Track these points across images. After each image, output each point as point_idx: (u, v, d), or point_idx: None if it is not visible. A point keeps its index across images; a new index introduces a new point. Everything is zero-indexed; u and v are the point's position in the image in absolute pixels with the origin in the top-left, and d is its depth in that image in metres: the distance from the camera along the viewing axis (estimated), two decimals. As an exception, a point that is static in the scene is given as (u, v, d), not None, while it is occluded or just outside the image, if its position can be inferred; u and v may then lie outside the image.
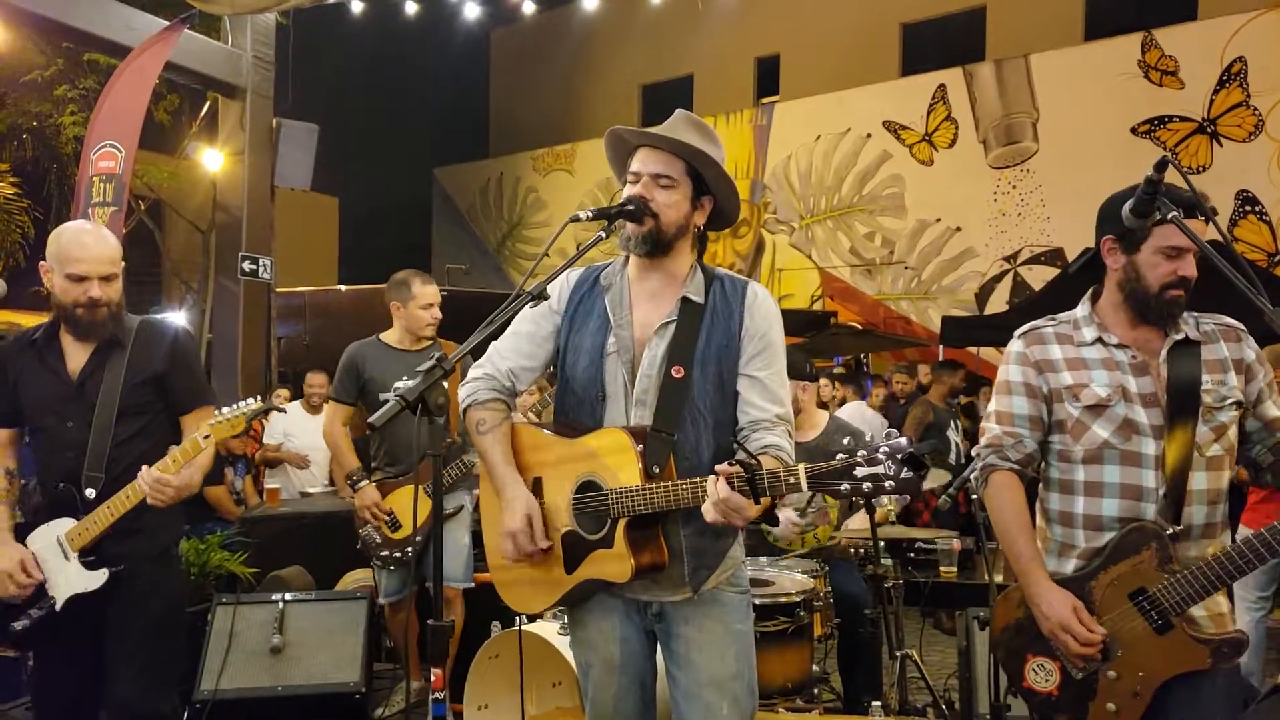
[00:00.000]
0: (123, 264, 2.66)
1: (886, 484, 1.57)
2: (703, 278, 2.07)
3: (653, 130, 2.02)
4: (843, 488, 1.60)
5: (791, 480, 1.65)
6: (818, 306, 14.18)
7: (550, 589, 2.06)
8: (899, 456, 1.58)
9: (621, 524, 1.91)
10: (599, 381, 2.02)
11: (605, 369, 2.02)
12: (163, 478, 2.44)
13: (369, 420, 1.77)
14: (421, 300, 3.96)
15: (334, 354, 4.33)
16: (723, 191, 2.08)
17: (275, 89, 7.57)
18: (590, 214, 1.99)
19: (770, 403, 1.99)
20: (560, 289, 2.13)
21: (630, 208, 2.00)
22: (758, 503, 1.71)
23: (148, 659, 2.59)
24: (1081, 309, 2.17)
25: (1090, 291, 2.18)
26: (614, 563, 1.93)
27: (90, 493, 2.55)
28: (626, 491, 1.89)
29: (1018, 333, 2.22)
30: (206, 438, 2.47)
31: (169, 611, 2.69)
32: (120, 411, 2.57)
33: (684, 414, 1.97)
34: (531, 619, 3.56)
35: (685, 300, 2.03)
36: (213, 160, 8.00)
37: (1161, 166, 1.81)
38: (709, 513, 1.75)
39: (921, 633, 4.72)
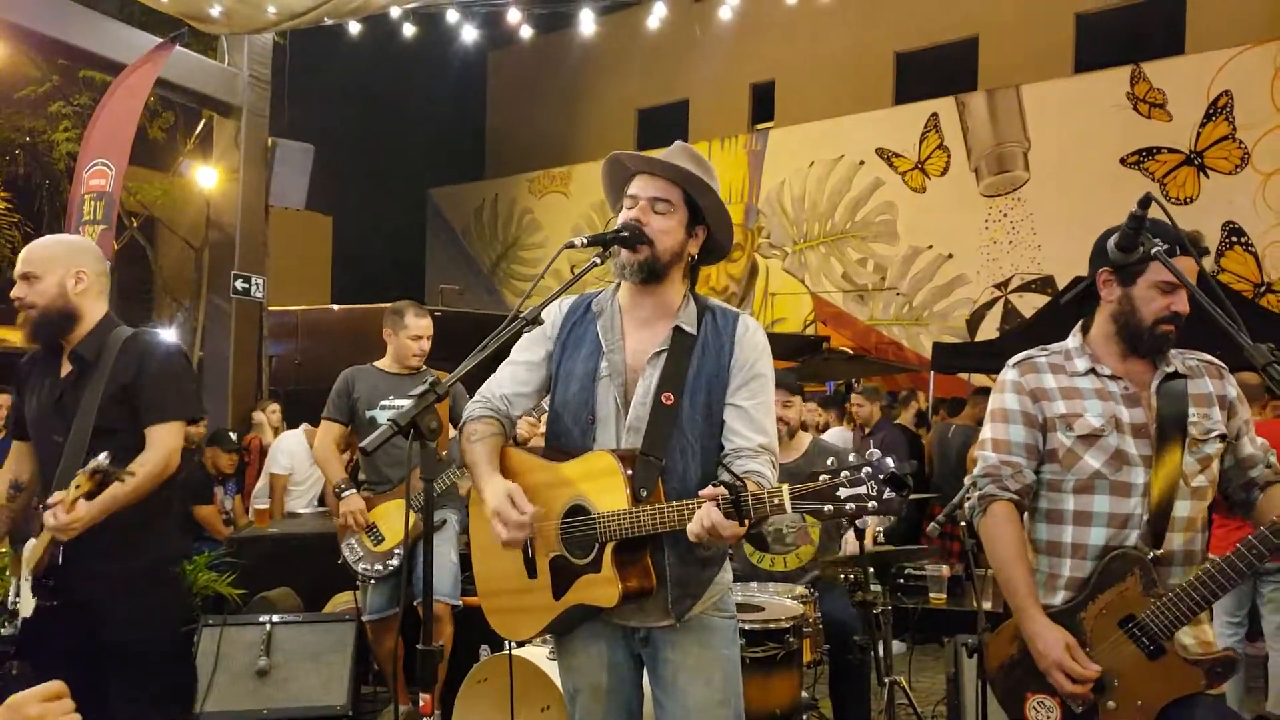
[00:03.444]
0: (65, 268, 2.54)
1: (869, 504, 1.57)
2: (695, 308, 2.08)
3: (652, 155, 2.05)
4: (825, 509, 1.59)
5: (776, 501, 1.65)
6: (810, 331, 14.23)
7: (539, 615, 2.05)
8: (881, 477, 1.58)
9: (609, 548, 1.91)
10: (590, 405, 2.03)
11: (597, 393, 2.03)
12: (64, 520, 2.27)
13: (362, 445, 1.77)
14: (412, 331, 4.05)
15: (326, 373, 4.35)
16: (717, 222, 2.10)
17: (271, 108, 7.62)
18: (585, 240, 2.00)
19: (754, 432, 1.99)
20: (553, 316, 2.14)
21: (625, 234, 2.01)
22: (742, 524, 1.71)
23: (135, 682, 2.52)
24: (1072, 340, 2.19)
25: (1080, 323, 2.21)
26: (601, 588, 1.93)
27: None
28: (614, 515, 1.89)
29: (1011, 362, 2.23)
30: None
31: (154, 634, 2.58)
32: (96, 428, 2.48)
33: (673, 441, 1.98)
34: (520, 644, 3.54)
35: (678, 330, 2.04)
36: (206, 178, 8.02)
37: (1145, 203, 1.84)
38: (692, 530, 1.75)
39: (910, 659, 4.71)
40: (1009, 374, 2.20)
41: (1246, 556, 1.90)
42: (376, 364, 4.16)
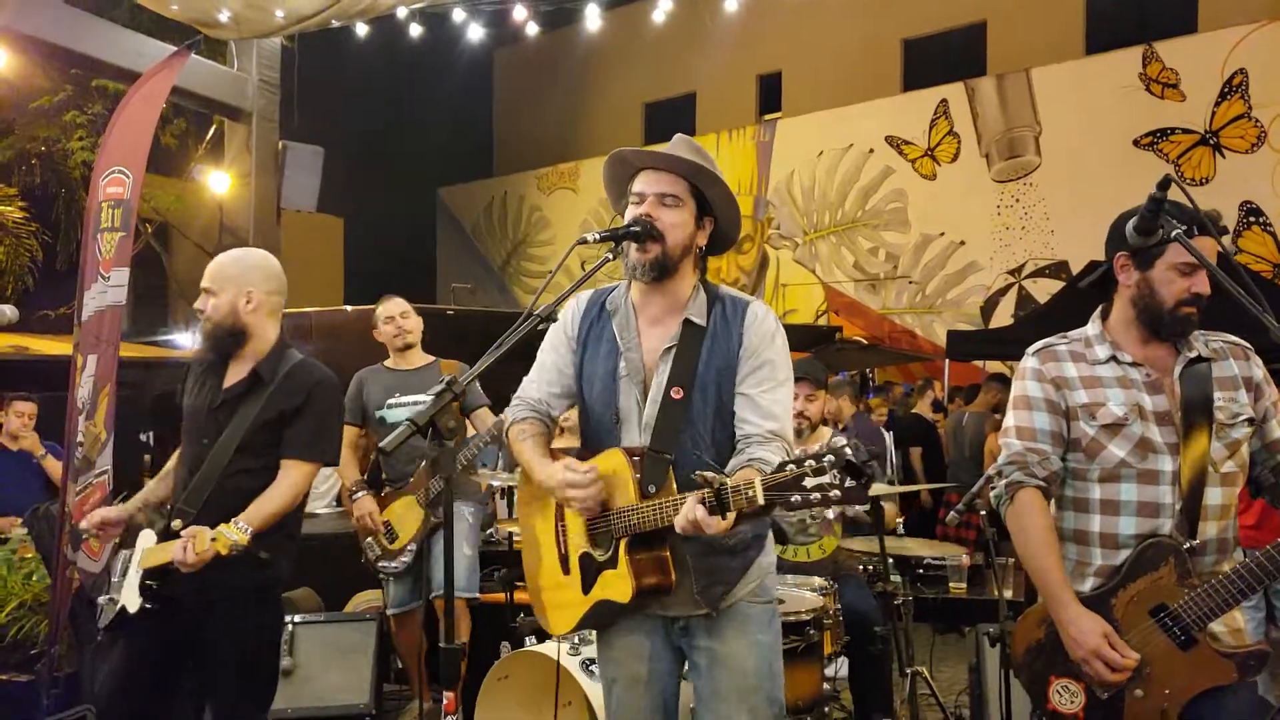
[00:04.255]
0: (238, 288, 2.63)
1: (832, 494, 1.55)
2: (705, 298, 2.08)
3: (656, 150, 2.04)
4: (794, 498, 1.58)
5: (750, 494, 1.64)
6: (822, 322, 14.18)
7: (572, 610, 2.09)
8: (842, 464, 1.56)
9: (623, 544, 1.93)
10: (613, 405, 2.05)
11: (619, 393, 2.05)
12: (190, 560, 2.34)
13: (381, 445, 1.78)
14: (382, 316, 4.08)
15: (341, 374, 4.36)
16: (724, 211, 2.10)
17: (280, 112, 7.64)
18: (597, 236, 2.00)
19: (763, 418, 1.98)
20: (570, 316, 2.16)
21: (636, 228, 2.01)
22: (724, 518, 1.71)
23: (220, 690, 2.55)
24: (1092, 327, 2.16)
25: (1099, 309, 2.17)
26: (618, 583, 1.95)
27: (176, 524, 2.50)
28: (622, 511, 1.92)
29: (1031, 350, 2.20)
30: (214, 540, 2.35)
31: (249, 652, 2.58)
32: (242, 444, 2.54)
33: (683, 435, 1.98)
34: (541, 639, 3.56)
35: (687, 322, 2.05)
36: (219, 183, 8.06)
37: (1165, 185, 1.82)
38: (677, 524, 1.77)
39: (932, 648, 4.69)
40: (1029, 362, 2.18)
41: None
42: (385, 363, 4.20)
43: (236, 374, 2.65)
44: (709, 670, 2.03)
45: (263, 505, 2.49)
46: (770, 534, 2.17)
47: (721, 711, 2.01)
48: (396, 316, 4.07)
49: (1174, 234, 1.82)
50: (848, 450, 1.55)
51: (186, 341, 12.58)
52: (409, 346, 4.11)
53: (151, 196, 10.36)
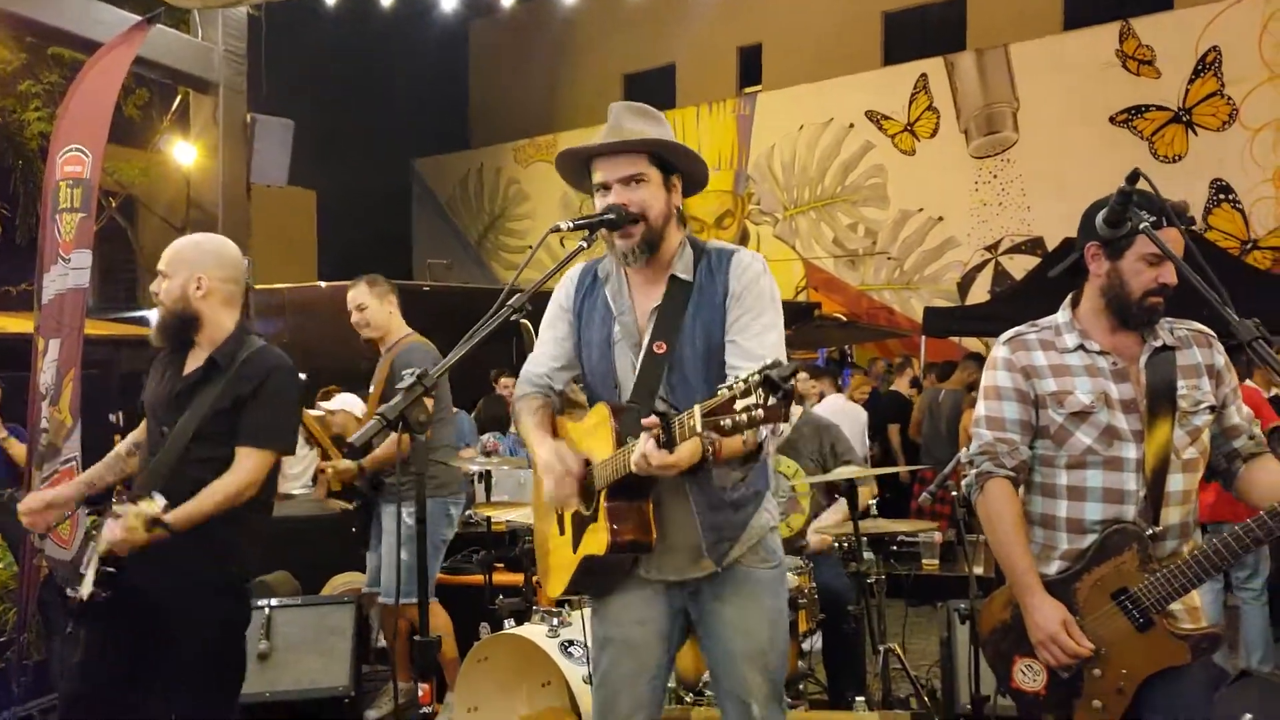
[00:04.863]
0: (190, 273, 2.57)
1: (756, 413, 1.53)
2: (691, 254, 2.09)
3: (602, 139, 2.03)
4: (724, 422, 1.56)
5: (690, 423, 1.64)
6: (802, 298, 14.21)
7: (565, 570, 2.10)
8: (760, 380, 1.53)
9: (601, 496, 1.94)
10: (612, 372, 2.08)
11: (615, 358, 2.08)
12: (117, 538, 2.32)
13: (349, 440, 1.76)
14: (349, 304, 3.97)
15: (315, 351, 4.31)
16: (685, 164, 2.09)
17: (249, 83, 7.47)
18: (571, 224, 1.99)
19: (750, 361, 1.93)
20: (565, 290, 2.19)
21: (612, 215, 2.00)
22: (671, 451, 1.70)
23: (195, 684, 2.52)
24: (1062, 315, 2.19)
25: (1070, 297, 2.21)
26: (596, 536, 1.97)
27: None
28: (599, 463, 1.95)
29: (1002, 339, 2.23)
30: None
31: (211, 642, 2.54)
32: (198, 432, 2.50)
33: (669, 386, 2.01)
34: (520, 621, 3.58)
35: (674, 279, 2.06)
36: (184, 154, 7.88)
37: (1133, 178, 1.84)
38: (632, 462, 1.78)
39: (905, 622, 4.77)
40: (1000, 351, 2.21)
41: (1244, 540, 1.93)
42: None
43: (194, 362, 2.61)
44: (722, 634, 2.08)
45: (211, 493, 2.44)
46: (770, 495, 2.18)
47: (738, 672, 2.07)
48: (355, 308, 3.96)
49: (1142, 226, 1.84)
50: (770, 372, 1.53)
51: (154, 318, 12.40)
52: (369, 340, 4.01)
53: (115, 170, 10.14)
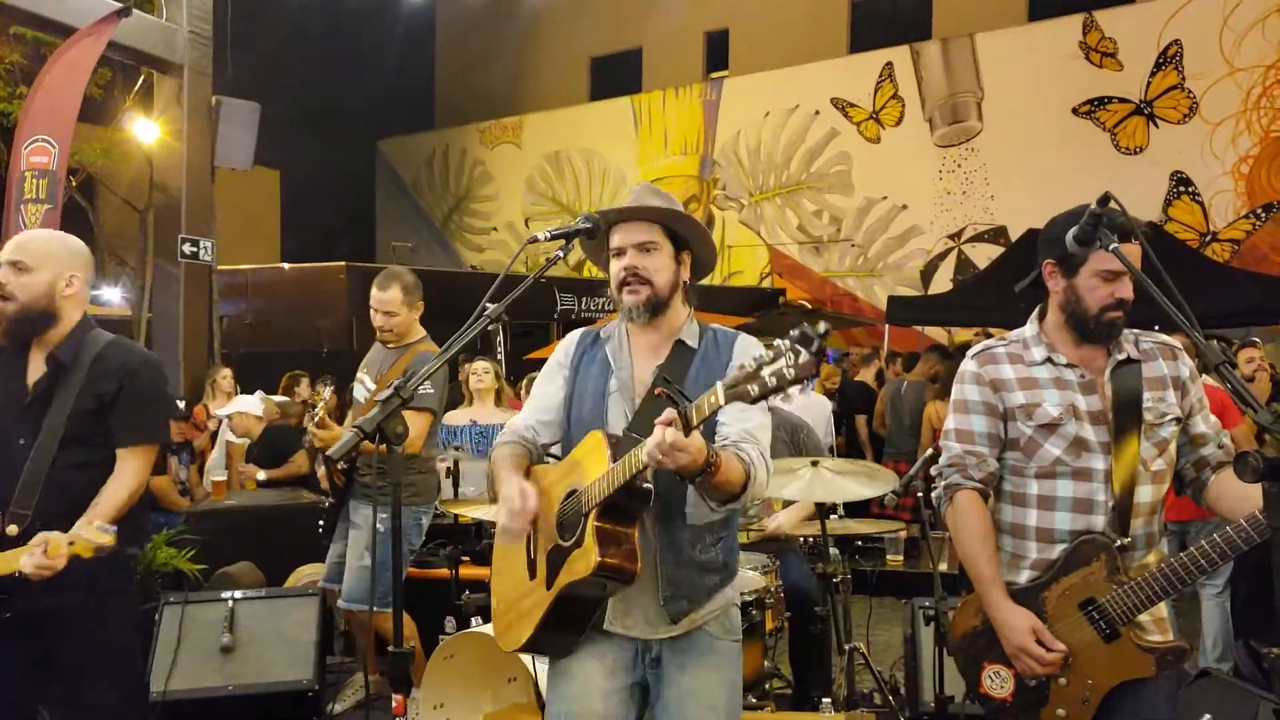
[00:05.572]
0: (60, 269, 2.47)
1: (789, 373, 1.58)
2: (698, 328, 2.18)
3: (624, 205, 2.14)
4: (751, 389, 1.61)
5: (713, 400, 1.68)
6: (766, 284, 14.29)
7: (534, 613, 2.07)
8: (790, 343, 1.59)
9: (590, 518, 1.94)
10: (603, 420, 2.11)
11: (608, 408, 2.12)
12: (45, 563, 2.20)
13: (328, 454, 1.76)
14: (371, 304, 3.90)
15: (278, 334, 4.22)
16: (698, 242, 2.20)
17: (214, 64, 7.33)
18: (549, 234, 2.03)
19: (738, 424, 2.04)
20: (566, 348, 2.26)
21: (588, 225, 2.08)
22: (688, 435, 1.73)
23: (98, 693, 2.47)
24: (1030, 328, 2.23)
25: (1037, 310, 2.24)
26: (581, 560, 1.95)
27: (11, 529, 2.34)
28: (592, 482, 1.95)
29: (971, 352, 2.27)
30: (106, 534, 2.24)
31: (114, 646, 2.51)
32: (65, 436, 2.40)
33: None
34: (487, 619, 3.57)
35: (679, 343, 2.14)
36: (146, 132, 7.70)
37: (1104, 201, 1.87)
38: (649, 451, 1.75)
39: (869, 616, 4.84)
40: (969, 365, 2.24)
41: (1210, 555, 1.95)
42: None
43: (37, 365, 2.49)
44: (678, 703, 2.07)
45: (111, 499, 2.38)
46: (737, 568, 2.21)
47: None
48: (380, 311, 3.82)
49: (1111, 246, 1.87)
50: (797, 331, 1.59)
51: (115, 298, 12.15)
52: (387, 342, 3.89)
53: (76, 150, 9.87)
